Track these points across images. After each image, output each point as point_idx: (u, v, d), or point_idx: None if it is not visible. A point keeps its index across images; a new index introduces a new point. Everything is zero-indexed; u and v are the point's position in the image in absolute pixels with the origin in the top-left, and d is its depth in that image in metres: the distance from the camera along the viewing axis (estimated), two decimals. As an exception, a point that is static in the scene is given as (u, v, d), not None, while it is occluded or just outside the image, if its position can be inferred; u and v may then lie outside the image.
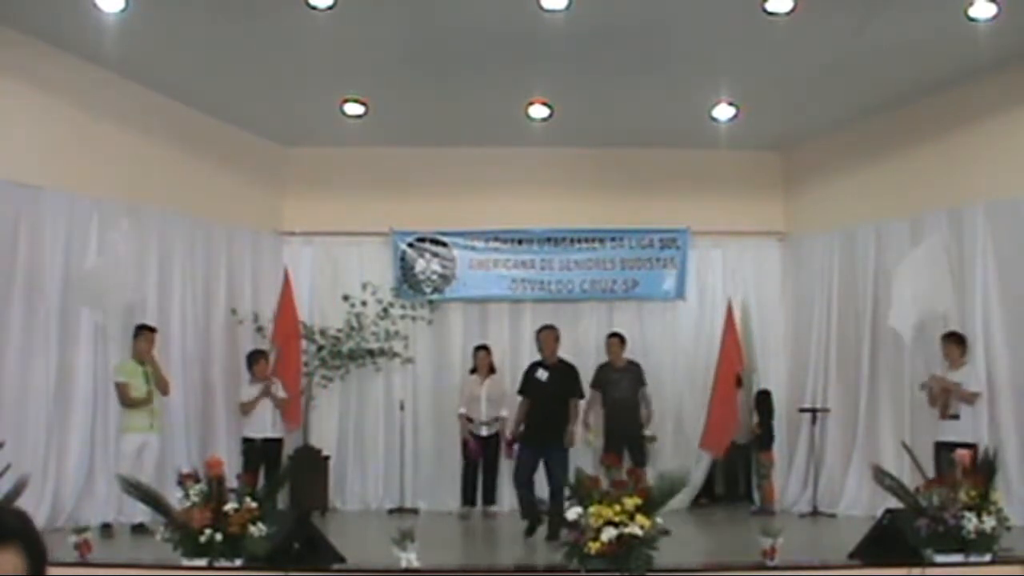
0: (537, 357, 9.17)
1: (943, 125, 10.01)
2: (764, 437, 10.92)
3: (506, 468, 10.94)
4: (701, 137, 11.07)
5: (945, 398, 8.97)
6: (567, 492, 6.55)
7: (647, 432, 10.53)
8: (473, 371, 10.77)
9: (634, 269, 11.54)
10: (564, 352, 11.47)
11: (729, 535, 9.97)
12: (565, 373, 8.91)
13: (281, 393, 9.94)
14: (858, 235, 10.83)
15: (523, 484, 8.47)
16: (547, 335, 8.98)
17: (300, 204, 11.67)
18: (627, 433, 10.26)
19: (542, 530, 8.12)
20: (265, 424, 9.68)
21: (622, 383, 10.57)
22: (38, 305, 8.79)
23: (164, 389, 9.03)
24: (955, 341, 9.15)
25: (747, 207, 11.72)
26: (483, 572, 7.32)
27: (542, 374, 8.80)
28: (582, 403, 9.40)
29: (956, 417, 8.88)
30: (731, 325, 10.83)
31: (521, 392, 9.10)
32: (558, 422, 8.59)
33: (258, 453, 9.44)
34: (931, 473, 7.34)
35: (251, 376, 9.93)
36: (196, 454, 9.60)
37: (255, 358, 9.99)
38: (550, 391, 8.70)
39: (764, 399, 11.05)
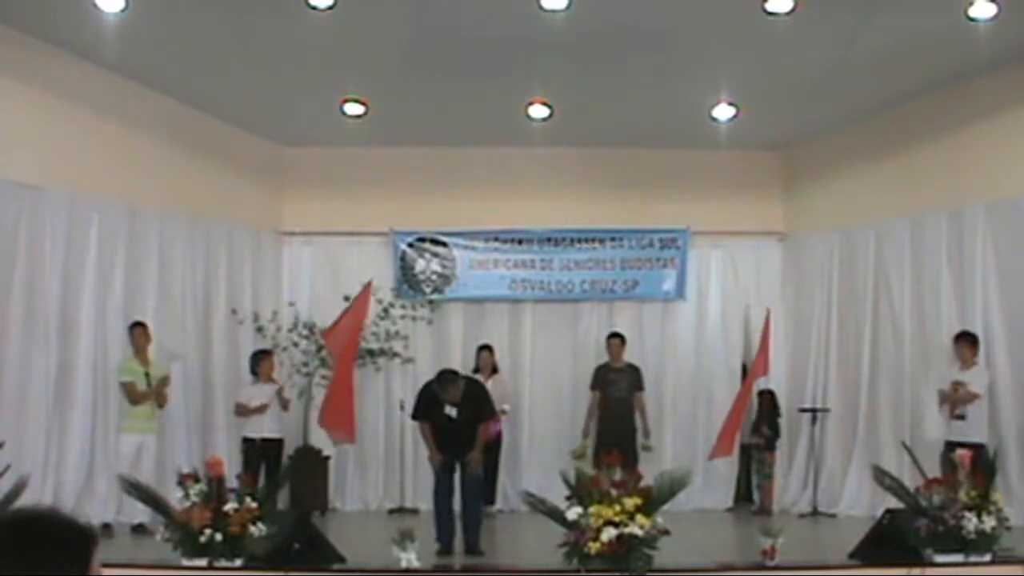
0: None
1: (943, 125, 10.01)
2: (770, 437, 10.91)
3: (505, 469, 10.97)
4: (701, 137, 11.07)
5: (953, 398, 8.99)
6: (567, 492, 6.54)
7: (645, 441, 10.53)
8: (476, 371, 10.76)
9: (634, 269, 11.54)
10: (566, 353, 11.60)
11: (729, 535, 9.98)
12: (474, 399, 8.17)
13: (287, 395, 9.94)
14: (858, 235, 10.83)
15: (445, 500, 8.07)
16: (453, 390, 7.97)
17: (300, 204, 11.67)
18: (621, 433, 10.27)
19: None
20: (265, 424, 9.66)
21: (620, 384, 10.61)
22: (38, 305, 8.79)
23: (161, 402, 9.04)
24: (968, 341, 9.13)
25: (747, 207, 11.73)
26: (483, 572, 7.33)
27: (451, 410, 8.02)
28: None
29: (962, 418, 8.90)
30: (766, 336, 10.23)
31: (417, 417, 8.35)
32: (471, 442, 8.10)
33: (258, 453, 9.43)
34: (939, 472, 7.35)
35: (254, 377, 9.89)
36: (196, 454, 9.59)
37: (259, 359, 9.95)
38: (461, 422, 8.05)
39: (769, 399, 11.02)
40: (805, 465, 10.94)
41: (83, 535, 1.87)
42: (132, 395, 8.83)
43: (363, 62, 9.41)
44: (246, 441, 9.64)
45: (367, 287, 9.98)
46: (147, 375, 8.90)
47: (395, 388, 11.33)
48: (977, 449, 7.58)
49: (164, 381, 9.03)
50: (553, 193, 11.65)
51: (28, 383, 8.68)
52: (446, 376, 8.16)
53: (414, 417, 8.43)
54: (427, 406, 8.19)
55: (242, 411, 9.70)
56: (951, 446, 8.44)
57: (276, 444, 9.73)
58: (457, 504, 8.17)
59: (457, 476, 8.20)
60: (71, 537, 1.86)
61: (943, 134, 10.04)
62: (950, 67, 9.33)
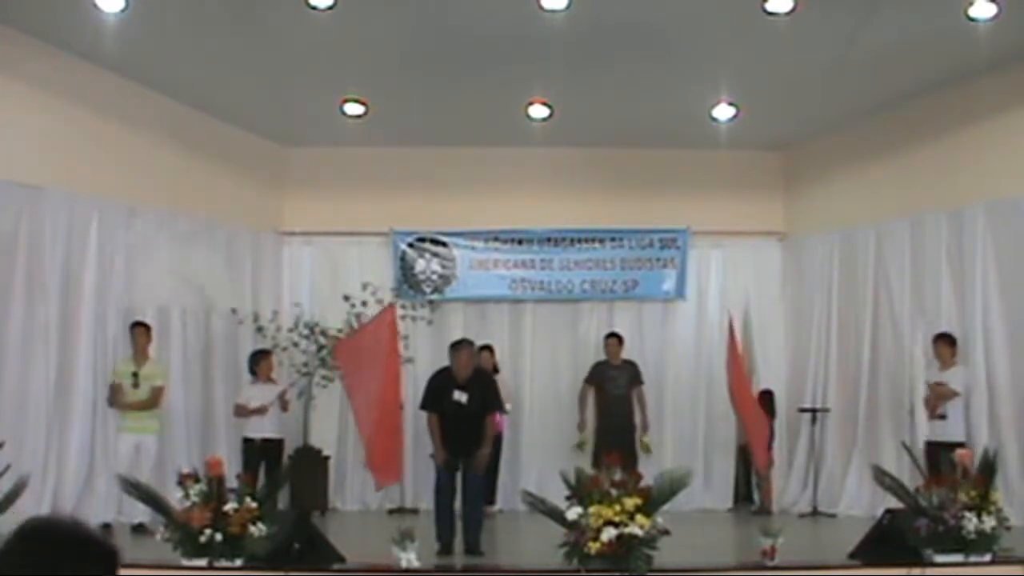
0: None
1: (943, 125, 10.01)
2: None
3: (505, 469, 10.97)
4: (701, 137, 11.07)
5: (937, 392, 9.07)
6: (567, 492, 6.53)
7: (644, 439, 10.57)
8: (477, 371, 10.76)
9: (634, 269, 11.54)
10: (566, 353, 11.61)
11: (729, 535, 9.98)
12: (484, 387, 8.14)
13: (290, 396, 9.93)
14: (858, 235, 10.83)
15: (446, 500, 8.01)
16: (466, 354, 8.01)
17: (300, 204, 11.68)
18: (620, 430, 10.30)
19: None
20: (265, 424, 9.65)
21: (619, 380, 10.64)
22: (38, 305, 8.80)
23: (152, 401, 9.00)
24: (946, 342, 9.25)
25: (747, 207, 11.73)
26: (483, 572, 7.33)
27: (460, 396, 7.93)
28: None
29: (943, 417, 8.99)
30: (733, 343, 10.23)
31: (426, 407, 8.17)
32: (478, 437, 7.96)
33: (257, 453, 9.42)
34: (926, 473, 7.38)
35: (253, 377, 9.88)
36: (196, 454, 9.59)
37: (258, 359, 9.93)
38: (470, 411, 7.96)
39: (767, 399, 11.03)
40: (805, 465, 10.94)
41: (110, 552, 1.88)
42: (110, 398, 8.87)
43: (363, 62, 9.42)
44: (246, 441, 9.62)
45: (388, 312, 9.44)
46: (135, 375, 8.89)
47: (395, 388, 11.32)
48: (961, 448, 7.62)
49: (123, 377, 8.90)
50: (553, 193, 11.65)
51: (28, 383, 8.69)
52: (459, 344, 8.18)
53: (423, 407, 8.30)
54: (437, 393, 8.10)
55: (241, 412, 9.68)
56: (933, 446, 8.58)
57: (276, 444, 9.71)
58: (458, 504, 8.16)
59: (459, 475, 8.19)
60: (99, 553, 1.86)
61: (943, 134, 10.04)
62: (950, 67, 9.33)
